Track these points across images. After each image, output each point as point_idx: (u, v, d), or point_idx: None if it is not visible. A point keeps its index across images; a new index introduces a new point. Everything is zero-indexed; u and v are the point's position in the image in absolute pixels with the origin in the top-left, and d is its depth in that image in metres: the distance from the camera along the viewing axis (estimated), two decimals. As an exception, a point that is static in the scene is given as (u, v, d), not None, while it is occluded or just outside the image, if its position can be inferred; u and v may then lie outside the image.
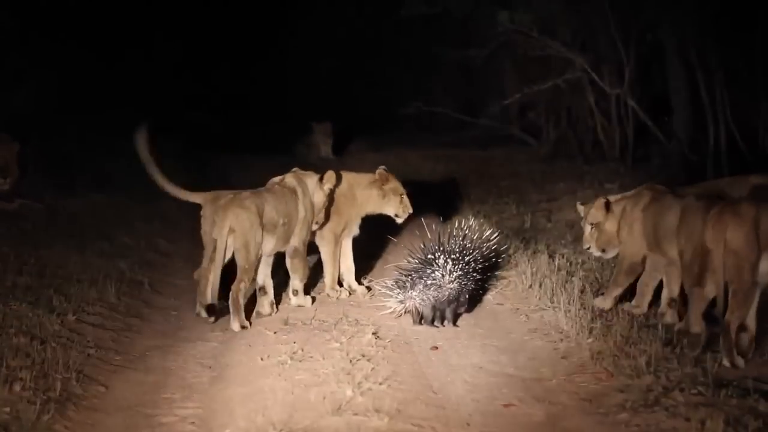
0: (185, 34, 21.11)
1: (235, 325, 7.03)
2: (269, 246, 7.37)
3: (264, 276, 7.52)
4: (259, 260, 7.27)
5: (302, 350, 6.20)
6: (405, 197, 8.02)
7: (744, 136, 12.09)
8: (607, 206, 7.47)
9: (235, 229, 7.06)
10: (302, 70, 23.73)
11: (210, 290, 7.11)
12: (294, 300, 7.65)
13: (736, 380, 5.55)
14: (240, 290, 7.08)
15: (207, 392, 5.74)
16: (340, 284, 7.98)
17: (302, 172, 7.80)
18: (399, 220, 8.12)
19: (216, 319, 7.14)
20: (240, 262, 7.12)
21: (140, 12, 18.95)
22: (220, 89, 22.44)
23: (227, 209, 7.10)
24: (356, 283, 8.02)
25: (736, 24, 11.97)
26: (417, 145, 16.66)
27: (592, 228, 7.55)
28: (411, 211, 8.04)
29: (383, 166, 8.13)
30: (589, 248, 7.64)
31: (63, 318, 6.82)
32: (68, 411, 5.30)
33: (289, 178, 7.67)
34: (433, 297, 6.87)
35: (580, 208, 7.77)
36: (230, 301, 7.08)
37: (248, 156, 15.30)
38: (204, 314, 7.19)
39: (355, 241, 8.12)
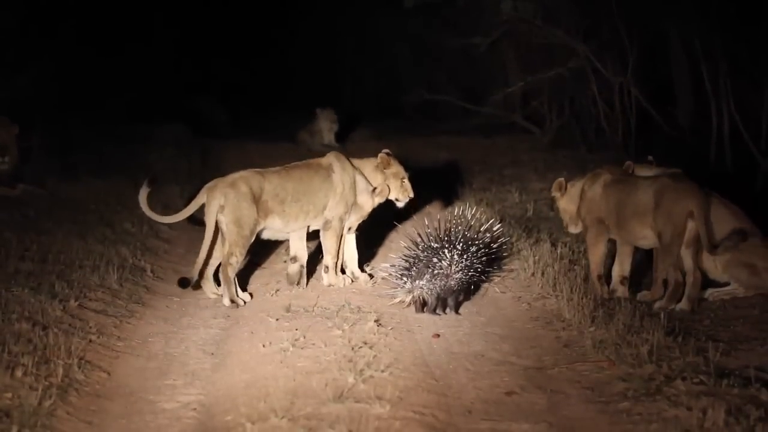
0: (188, 21, 21.10)
1: (226, 300, 7.30)
2: (277, 224, 7.53)
3: (296, 248, 7.80)
4: (252, 237, 7.45)
5: (304, 337, 6.20)
6: (406, 181, 8.00)
7: (747, 126, 12.07)
8: (561, 186, 7.89)
9: (225, 206, 7.24)
10: (305, 58, 23.72)
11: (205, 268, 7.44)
12: (325, 278, 7.76)
13: (738, 370, 5.55)
14: (230, 265, 7.27)
15: (209, 379, 5.75)
16: (343, 271, 7.97)
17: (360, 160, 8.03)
18: (400, 205, 8.08)
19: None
20: (231, 237, 7.30)
21: (140, 14, 18.97)
22: (223, 76, 22.46)
23: (216, 189, 7.33)
24: (359, 270, 8.01)
25: (740, 13, 11.94)
26: (420, 133, 16.62)
27: (559, 211, 8.10)
28: (412, 195, 8.02)
29: (386, 150, 8.11)
30: (566, 227, 8.07)
31: (65, 304, 6.83)
32: (70, 397, 5.30)
33: (327, 157, 7.87)
34: (440, 286, 6.87)
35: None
36: (220, 277, 7.23)
37: (251, 143, 15.29)
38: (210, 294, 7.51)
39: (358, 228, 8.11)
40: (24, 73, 13.92)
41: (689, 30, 12.61)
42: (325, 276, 7.76)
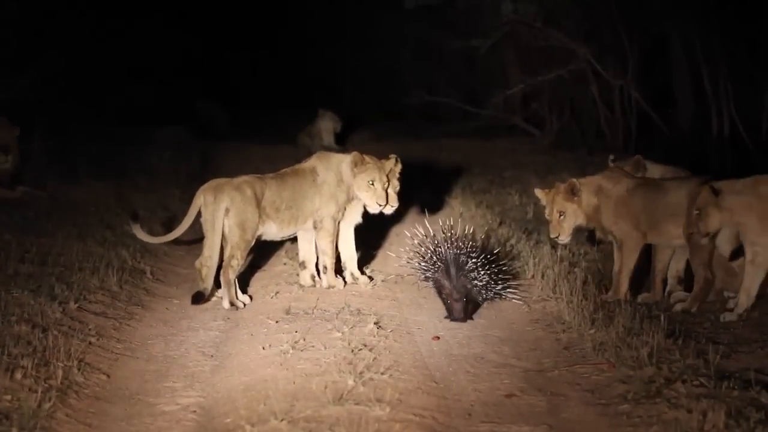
0: (189, 23, 21.10)
1: (225, 303, 7.29)
2: (272, 230, 7.56)
3: (305, 251, 7.83)
4: (253, 241, 7.47)
5: (304, 340, 6.20)
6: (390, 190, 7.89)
7: (746, 127, 12.09)
8: (575, 188, 7.57)
9: (230, 209, 7.26)
10: (306, 60, 23.72)
11: (211, 276, 7.35)
12: (324, 280, 7.74)
13: (738, 372, 5.55)
14: (231, 267, 7.28)
15: (209, 381, 5.74)
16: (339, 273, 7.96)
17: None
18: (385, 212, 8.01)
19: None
20: (233, 239, 7.31)
21: (140, 10, 18.97)
22: (223, 79, 22.46)
23: (223, 191, 7.32)
24: (359, 271, 7.99)
25: (740, 15, 11.95)
26: (420, 135, 16.63)
27: (560, 215, 7.61)
28: (384, 202, 7.89)
29: (394, 155, 8.04)
30: (558, 237, 7.68)
31: (65, 306, 6.82)
32: (70, 399, 5.30)
33: (310, 160, 7.84)
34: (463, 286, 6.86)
35: (540, 194, 7.81)
36: (221, 279, 7.21)
37: (251, 145, 15.30)
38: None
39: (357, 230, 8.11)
40: (24, 74, 13.92)
41: (689, 32, 12.63)
42: (324, 278, 7.74)
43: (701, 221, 6.82)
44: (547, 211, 7.72)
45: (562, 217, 7.62)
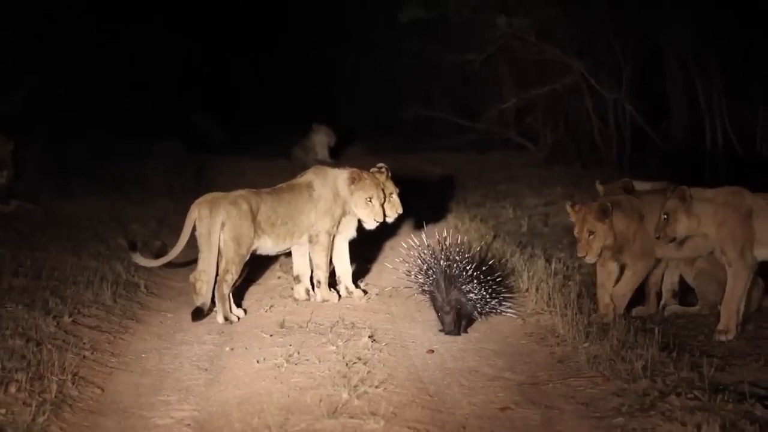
0: (186, 38, 21.14)
1: (219, 317, 7.28)
2: (268, 245, 7.57)
3: (299, 265, 7.83)
4: (248, 255, 7.45)
5: (298, 353, 6.19)
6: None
7: (741, 141, 12.11)
8: (606, 212, 7.26)
9: (226, 223, 7.25)
10: (301, 73, 23.78)
11: (209, 290, 7.33)
12: (318, 294, 7.74)
13: (733, 385, 5.55)
14: (226, 282, 7.26)
15: (203, 395, 5.73)
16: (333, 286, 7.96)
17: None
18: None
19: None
20: (228, 254, 7.30)
21: (140, 13, 18.99)
22: (221, 89, 22.53)
23: (219, 205, 7.31)
24: (353, 285, 7.99)
25: (734, 30, 11.99)
26: (414, 149, 16.66)
27: (590, 235, 7.30)
28: (381, 219, 7.90)
29: (382, 164, 8.05)
30: (586, 256, 7.36)
31: (59, 320, 6.81)
32: (64, 413, 5.29)
33: (306, 175, 7.84)
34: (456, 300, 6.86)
35: (570, 210, 7.53)
36: (215, 293, 7.21)
37: (246, 159, 15.31)
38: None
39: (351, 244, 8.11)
40: (22, 85, 13.93)
41: (683, 45, 12.67)
42: (318, 291, 7.74)
43: (668, 225, 6.82)
44: (576, 230, 7.40)
45: (591, 236, 7.30)
